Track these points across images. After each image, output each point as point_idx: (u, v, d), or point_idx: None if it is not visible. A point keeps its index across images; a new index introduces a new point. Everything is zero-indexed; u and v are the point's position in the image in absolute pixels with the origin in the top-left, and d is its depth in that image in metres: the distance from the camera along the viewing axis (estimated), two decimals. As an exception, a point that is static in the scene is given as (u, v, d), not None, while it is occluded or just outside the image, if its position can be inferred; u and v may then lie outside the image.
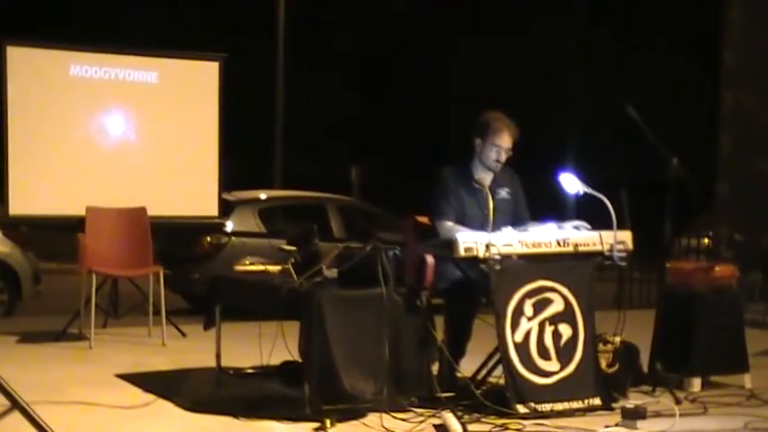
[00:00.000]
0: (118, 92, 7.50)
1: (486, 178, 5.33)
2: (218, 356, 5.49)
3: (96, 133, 7.44)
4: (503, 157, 5.32)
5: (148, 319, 7.12)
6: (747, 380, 5.69)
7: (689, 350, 5.52)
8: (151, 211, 7.22)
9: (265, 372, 5.43)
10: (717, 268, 5.84)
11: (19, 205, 7.15)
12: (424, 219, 5.35)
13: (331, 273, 4.84)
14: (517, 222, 5.29)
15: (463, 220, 5.23)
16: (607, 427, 4.67)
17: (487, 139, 5.31)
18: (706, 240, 9.42)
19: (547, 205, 5.88)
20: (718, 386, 5.64)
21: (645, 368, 5.54)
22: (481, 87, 18.06)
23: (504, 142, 5.29)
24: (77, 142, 7.38)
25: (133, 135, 7.59)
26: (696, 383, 5.55)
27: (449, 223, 5.21)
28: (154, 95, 7.64)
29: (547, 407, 4.81)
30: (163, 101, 7.67)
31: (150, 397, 5.06)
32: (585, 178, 5.27)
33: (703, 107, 14.66)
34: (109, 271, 6.99)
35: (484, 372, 5.19)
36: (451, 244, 4.83)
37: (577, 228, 5.20)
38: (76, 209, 7.08)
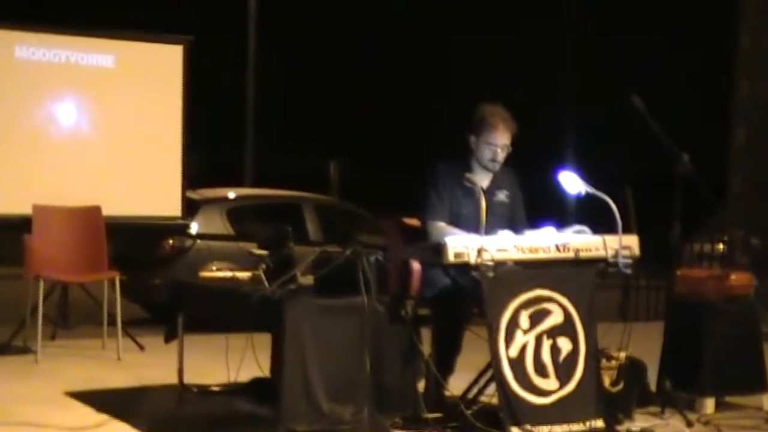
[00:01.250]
0: (69, 77, 7.45)
1: (484, 177, 5.31)
2: (180, 372, 5.46)
3: (45, 122, 7.39)
4: (500, 156, 5.30)
5: (102, 330, 7.09)
6: (766, 401, 5.71)
7: (701, 367, 5.53)
8: (106, 211, 7.17)
9: (232, 389, 5.41)
10: (732, 276, 5.85)
11: (-43, 202, 7.09)
12: (412, 221, 5.34)
13: (307, 280, 4.83)
14: (513, 228, 5.28)
15: (458, 222, 5.23)
16: (610, 451, 4.67)
17: (481, 136, 5.29)
18: (720, 245, 9.45)
19: (546, 208, 5.89)
20: (733, 407, 5.66)
21: (653, 387, 5.54)
22: (473, 81, 18.17)
23: (499, 139, 5.28)
24: (23, 133, 7.33)
25: (87, 125, 7.54)
26: (709, 404, 5.55)
27: (441, 224, 5.20)
28: (111, 81, 7.60)
29: (544, 430, 4.80)
30: (120, 88, 7.63)
31: (103, 417, 5.02)
32: (587, 177, 5.27)
33: (713, 100, 14.81)
34: (58, 277, 6.94)
35: (475, 390, 5.19)
36: (439, 248, 4.82)
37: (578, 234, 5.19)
38: (22, 207, 7.02)
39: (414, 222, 5.33)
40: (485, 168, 5.31)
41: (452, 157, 5.42)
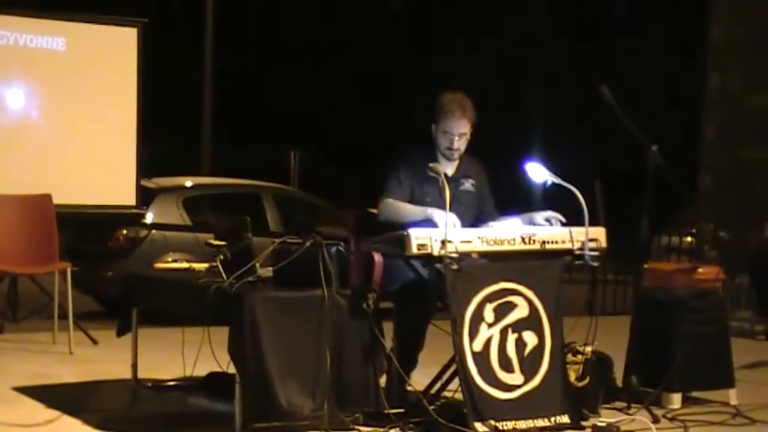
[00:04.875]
0: (17, 61, 7.40)
1: (449, 166, 5.34)
2: (134, 367, 5.44)
3: (-8, 107, 7.33)
4: (457, 144, 5.32)
5: (52, 323, 7.05)
6: (732, 396, 5.78)
7: (668, 362, 5.59)
8: (57, 199, 7.13)
9: (188, 385, 5.41)
10: (700, 270, 5.93)
11: None
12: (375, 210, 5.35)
13: (266, 272, 4.83)
14: (481, 218, 5.31)
15: None
16: (576, 447, 4.73)
17: (439, 124, 5.33)
18: (688, 238, 9.57)
19: (513, 199, 5.93)
20: (700, 402, 5.73)
21: (619, 382, 5.61)
22: (441, 70, 18.22)
23: (455, 128, 5.30)
24: (-31, 118, 7.27)
25: (36, 111, 7.49)
26: (676, 399, 5.63)
27: (389, 200, 5.22)
28: (61, 65, 7.55)
29: (508, 425, 4.84)
30: (71, 72, 7.58)
31: (54, 413, 5.00)
32: (554, 168, 5.31)
33: (683, 92, 14.96)
34: (6, 268, 6.89)
35: (438, 385, 5.22)
36: (402, 239, 4.84)
37: (548, 220, 5.25)
38: (-31, 196, 6.97)
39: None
40: (444, 156, 5.35)
41: (419, 146, 5.44)
